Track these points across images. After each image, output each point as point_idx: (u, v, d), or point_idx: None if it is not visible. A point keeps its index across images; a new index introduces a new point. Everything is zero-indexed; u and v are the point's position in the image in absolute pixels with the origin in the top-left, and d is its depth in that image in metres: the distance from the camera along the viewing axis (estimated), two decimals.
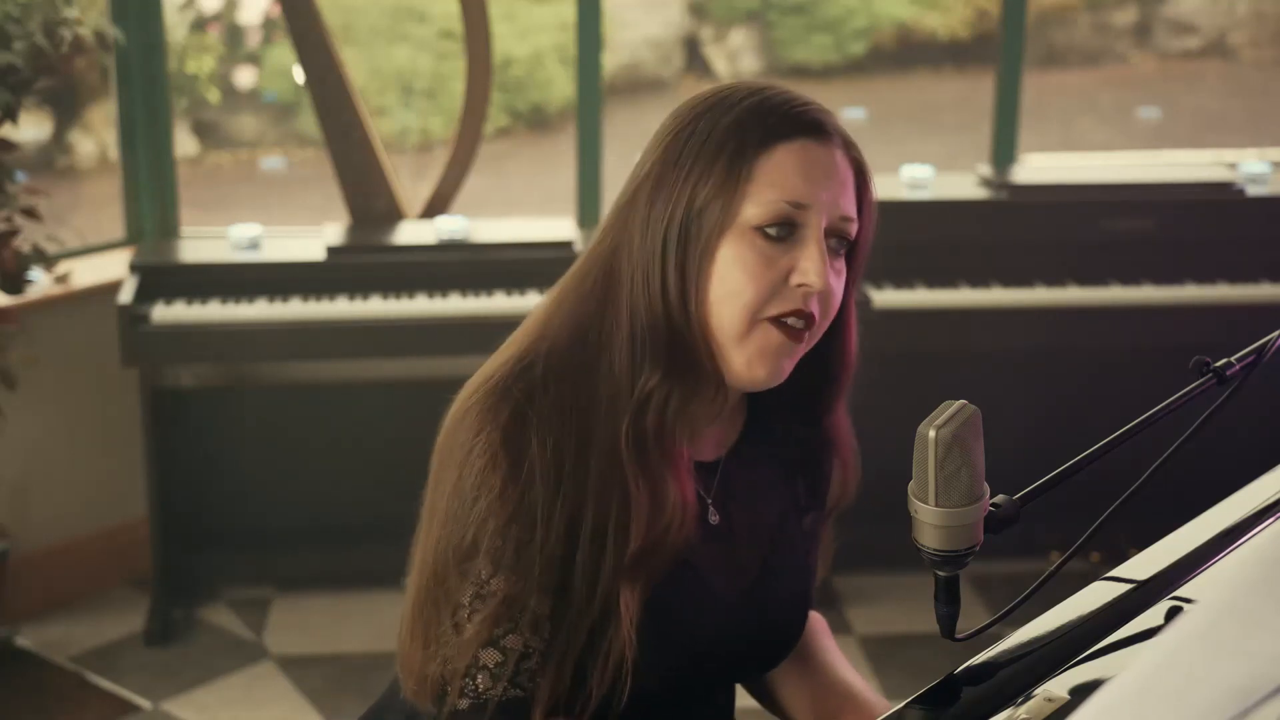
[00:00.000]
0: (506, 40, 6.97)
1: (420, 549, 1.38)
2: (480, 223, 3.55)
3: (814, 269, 1.31)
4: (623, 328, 1.33)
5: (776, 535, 1.48)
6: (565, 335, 1.36)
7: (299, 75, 3.60)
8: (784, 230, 1.31)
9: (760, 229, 1.30)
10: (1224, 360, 1.37)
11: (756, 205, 1.30)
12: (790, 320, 1.32)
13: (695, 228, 1.31)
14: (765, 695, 1.63)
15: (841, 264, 1.36)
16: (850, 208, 1.35)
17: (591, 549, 1.32)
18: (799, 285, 1.31)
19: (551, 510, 1.31)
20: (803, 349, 1.35)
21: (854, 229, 1.36)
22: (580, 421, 1.33)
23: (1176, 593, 1.33)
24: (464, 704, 1.33)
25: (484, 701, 1.32)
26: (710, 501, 1.43)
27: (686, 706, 1.46)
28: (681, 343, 1.32)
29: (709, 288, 1.32)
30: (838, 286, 1.35)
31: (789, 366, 1.35)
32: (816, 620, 1.64)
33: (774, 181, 1.30)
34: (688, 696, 1.45)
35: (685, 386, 1.34)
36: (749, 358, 1.33)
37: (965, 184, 3.67)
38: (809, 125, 1.33)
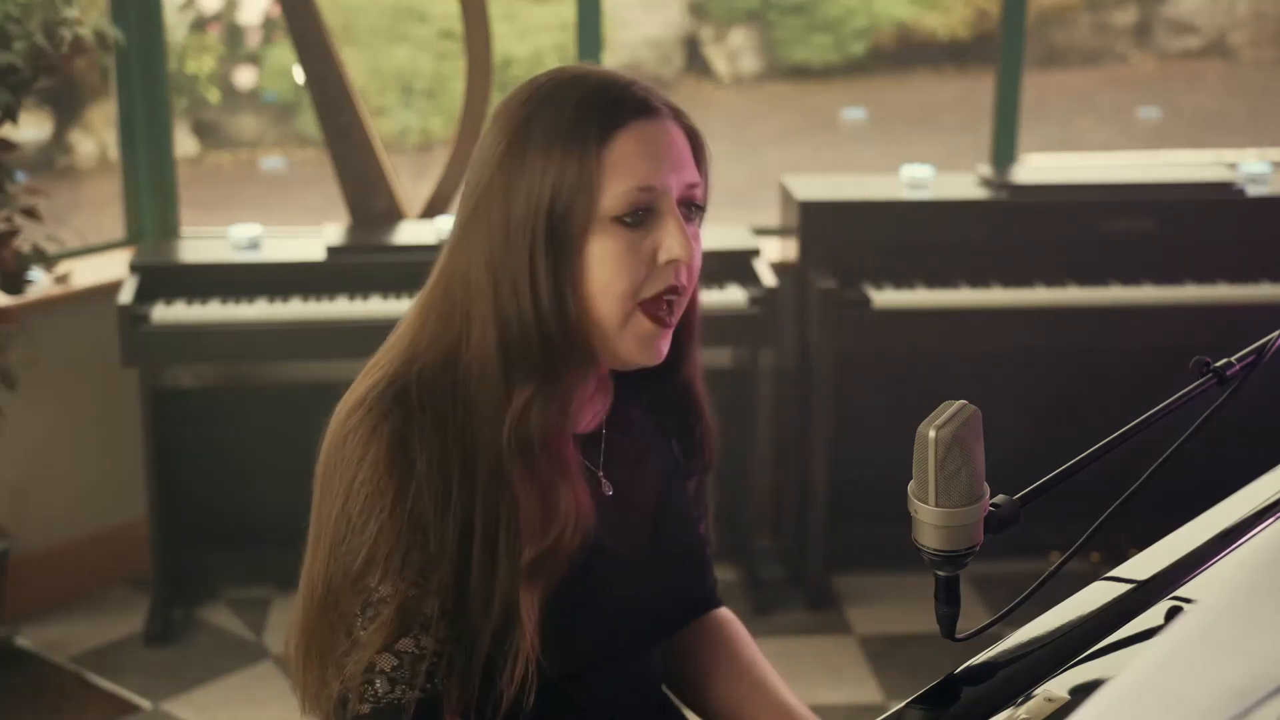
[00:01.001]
0: (506, 40, 6.98)
1: (307, 572, 1.40)
2: None
3: (677, 243, 1.35)
4: (491, 339, 1.35)
5: (662, 495, 1.52)
6: (435, 352, 1.38)
7: (299, 75, 3.60)
8: (640, 215, 1.34)
9: (619, 219, 1.33)
10: (1224, 360, 1.38)
11: (610, 197, 1.33)
12: (664, 304, 1.37)
13: (561, 229, 1.33)
14: (702, 703, 1.64)
15: (695, 228, 1.40)
16: (694, 174, 1.39)
17: (484, 556, 1.34)
18: (667, 262, 1.35)
19: (442, 524, 1.33)
20: (674, 323, 1.40)
21: (700, 193, 1.40)
22: (461, 435, 1.35)
23: (1176, 593, 1.33)
24: (365, 709, 1.34)
25: (384, 705, 1.33)
26: (601, 473, 1.47)
27: (616, 674, 1.49)
28: (556, 348, 1.35)
29: (582, 286, 1.35)
30: (699, 250, 1.40)
31: (666, 345, 1.40)
32: (737, 626, 1.64)
33: (621, 171, 1.33)
34: (615, 664, 1.48)
35: (562, 388, 1.37)
36: (629, 345, 1.37)
37: (965, 184, 3.67)
38: (638, 106, 1.36)
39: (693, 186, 1.38)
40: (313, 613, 1.38)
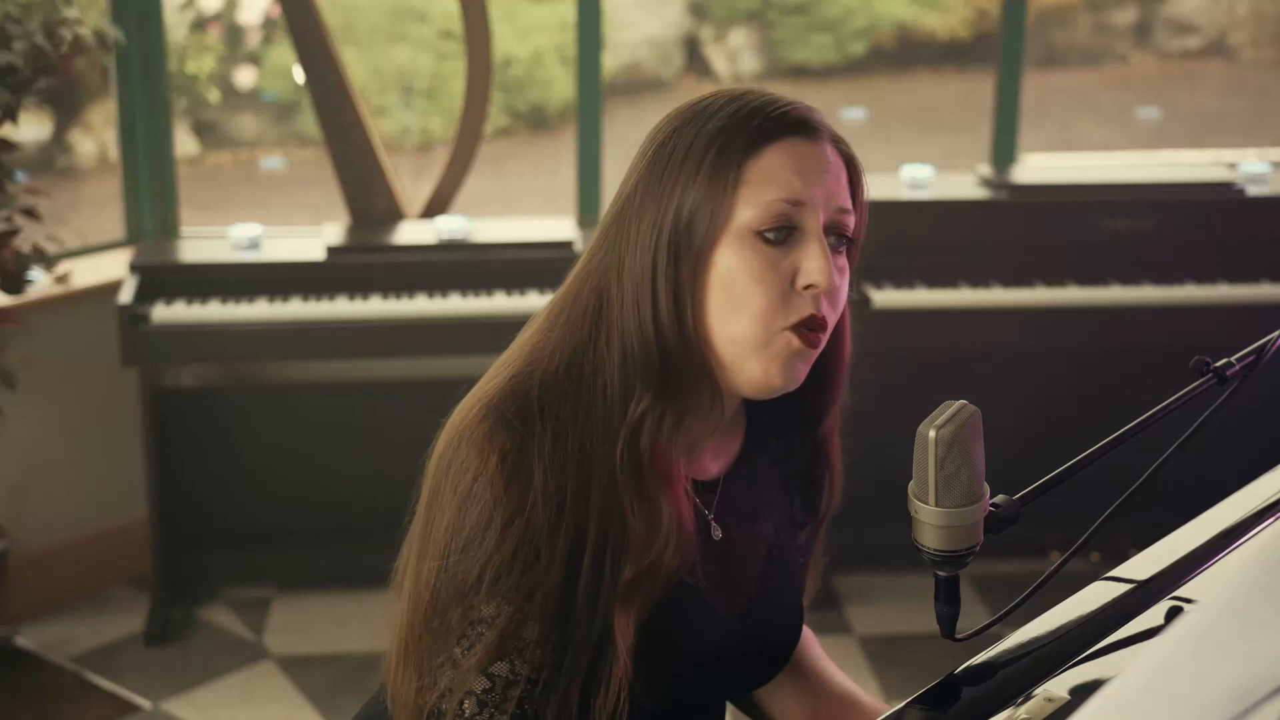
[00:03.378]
0: (506, 40, 6.98)
1: (412, 579, 1.35)
2: (480, 223, 3.55)
3: (819, 268, 1.28)
4: (614, 351, 1.31)
5: (774, 551, 1.47)
6: (559, 360, 1.33)
7: (299, 75, 3.60)
8: (783, 232, 1.28)
9: (759, 233, 1.28)
10: (1224, 360, 1.37)
11: (752, 208, 1.28)
12: (806, 324, 1.30)
13: (686, 240, 1.28)
14: (757, 708, 1.62)
15: (843, 260, 1.33)
16: (846, 200, 1.33)
17: (591, 575, 1.30)
18: (806, 287, 1.29)
19: (555, 539, 1.28)
20: (816, 353, 1.33)
21: (852, 222, 1.33)
22: (579, 448, 1.30)
23: (1176, 593, 1.33)
24: None
25: None
26: (712, 517, 1.41)
27: (693, 715, 1.45)
28: (674, 363, 1.30)
29: (709, 301, 1.29)
30: (843, 284, 1.33)
31: (805, 371, 1.33)
32: (805, 630, 1.63)
33: (767, 181, 1.28)
34: (682, 712, 1.44)
35: (678, 407, 1.31)
36: (766, 366, 1.30)
37: (965, 184, 3.67)
38: (796, 124, 1.31)
39: (844, 212, 1.32)
40: (418, 620, 1.33)
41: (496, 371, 1.36)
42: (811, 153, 1.30)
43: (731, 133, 1.29)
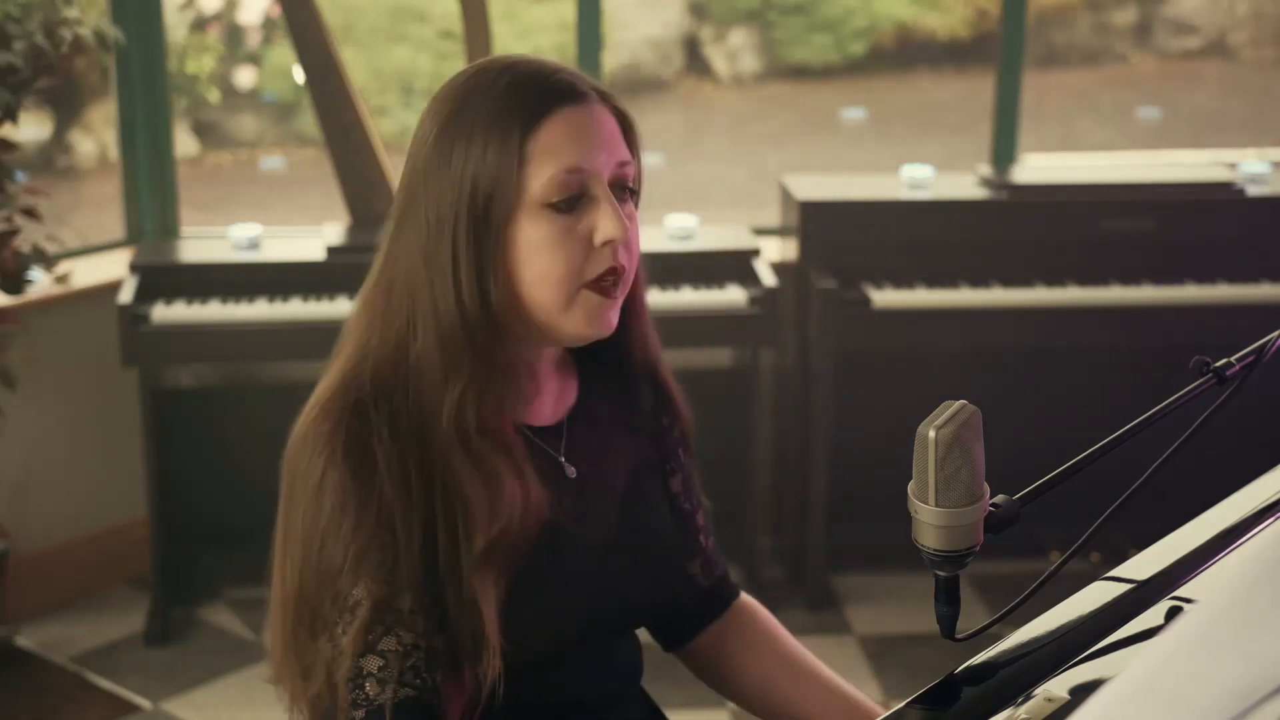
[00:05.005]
0: (506, 40, 6.97)
1: (279, 577, 1.40)
2: None
3: (611, 224, 1.35)
4: (430, 331, 1.36)
5: (630, 486, 1.52)
6: (383, 349, 1.39)
7: (299, 75, 3.60)
8: (572, 200, 1.35)
9: (550, 204, 1.34)
10: (1224, 360, 1.37)
11: (539, 182, 1.34)
12: (604, 278, 1.37)
13: (482, 221, 1.34)
14: (752, 699, 1.64)
15: (630, 209, 1.40)
16: (624, 152, 1.39)
17: (448, 547, 1.35)
18: (603, 243, 1.36)
19: (408, 519, 1.34)
20: (620, 299, 1.40)
21: (632, 172, 1.40)
22: (414, 430, 1.36)
23: (1176, 593, 1.33)
24: (359, 714, 1.33)
25: (379, 707, 1.32)
26: (562, 459, 1.47)
27: (589, 662, 1.49)
28: (484, 338, 1.36)
29: (516, 274, 1.35)
30: (636, 231, 1.40)
31: (614, 316, 1.40)
32: (761, 612, 1.66)
33: (548, 155, 1.34)
34: (586, 652, 1.48)
35: (495, 377, 1.37)
36: (575, 323, 1.38)
37: (965, 184, 3.67)
38: (564, 93, 1.36)
39: (623, 165, 1.38)
40: (289, 615, 1.38)
41: (331, 370, 1.43)
42: (583, 117, 1.36)
43: (507, 113, 1.34)
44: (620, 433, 1.54)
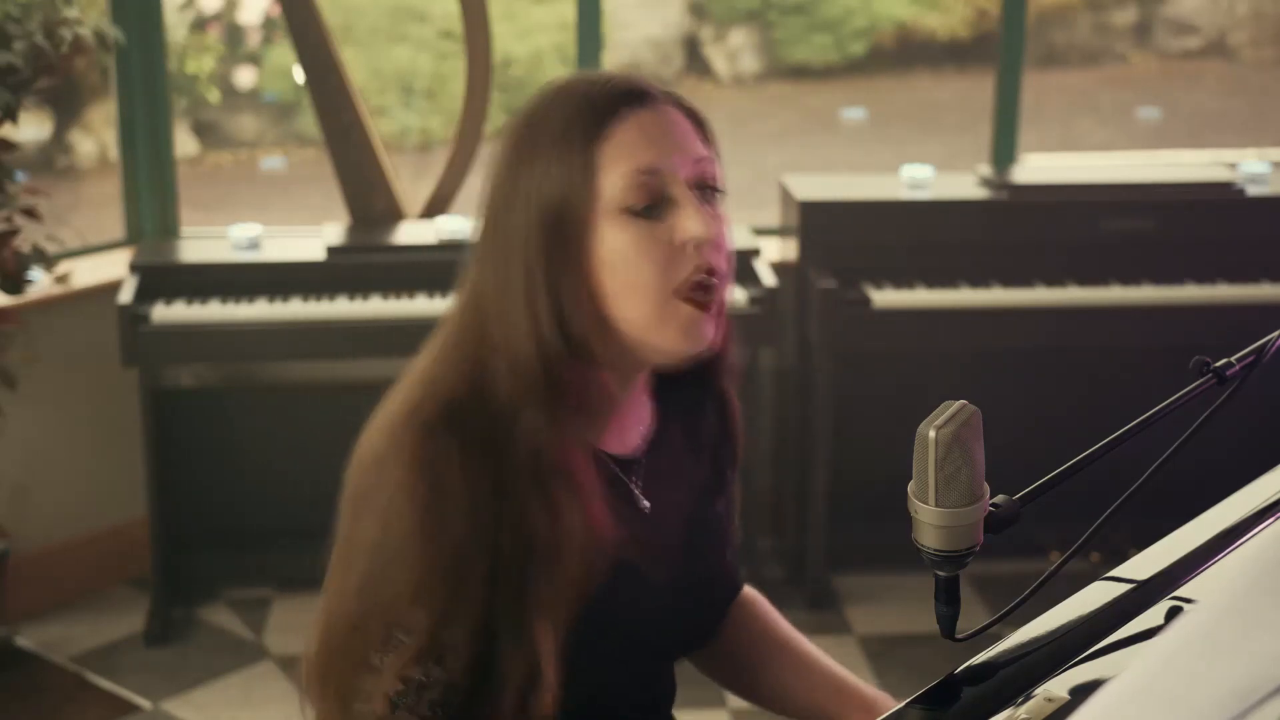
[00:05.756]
0: (506, 40, 6.98)
1: (337, 600, 1.35)
2: None
3: (694, 221, 1.29)
4: (502, 362, 1.32)
5: (695, 515, 1.49)
6: (460, 375, 1.34)
7: (299, 75, 3.60)
8: (652, 204, 1.29)
9: (628, 209, 1.29)
10: (1224, 360, 1.37)
11: (613, 187, 1.28)
12: (697, 288, 1.30)
13: (556, 239, 1.29)
14: (751, 689, 1.65)
15: (717, 208, 1.34)
16: (700, 149, 1.34)
17: (512, 586, 1.31)
18: (688, 242, 1.30)
19: (475, 553, 1.30)
20: (716, 311, 1.34)
21: (713, 170, 1.34)
22: (488, 462, 1.31)
23: (1176, 593, 1.33)
24: None
25: None
26: (639, 490, 1.42)
27: (631, 686, 1.47)
28: (561, 365, 1.31)
29: (599, 290, 1.30)
30: (724, 230, 1.34)
31: (711, 330, 1.33)
32: (762, 603, 1.65)
33: (620, 159, 1.29)
34: (631, 678, 1.46)
35: (569, 411, 1.32)
36: (670, 339, 1.31)
37: (965, 184, 3.67)
38: (629, 94, 1.31)
39: (703, 161, 1.33)
40: (338, 634, 1.34)
41: (398, 395, 1.37)
42: (653, 118, 1.31)
43: (574, 124, 1.30)
44: (688, 457, 1.50)
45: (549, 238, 1.29)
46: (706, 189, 1.34)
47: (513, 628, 1.31)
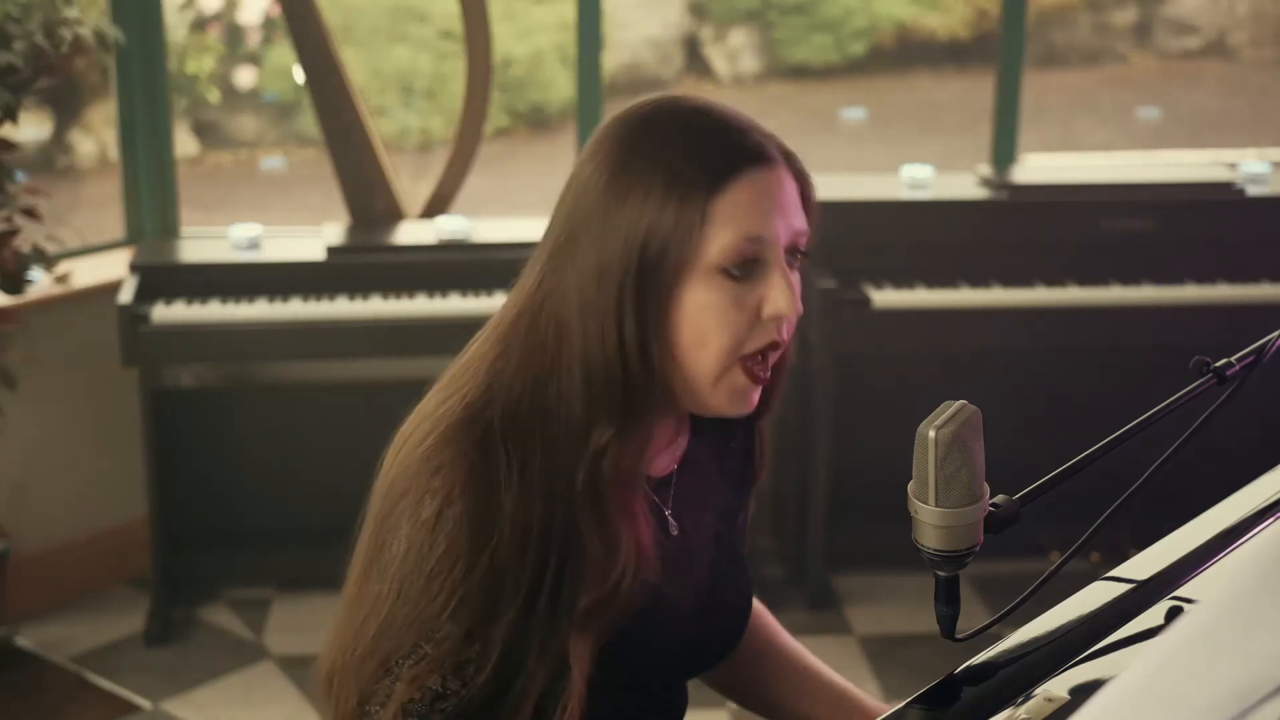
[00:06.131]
0: (506, 40, 6.98)
1: (369, 600, 1.33)
2: (480, 223, 3.55)
3: (784, 299, 1.29)
4: (576, 378, 1.29)
5: (721, 535, 1.48)
6: (519, 389, 1.31)
7: (299, 75, 3.60)
8: (747, 267, 1.28)
9: (724, 270, 1.28)
10: (1224, 360, 1.37)
11: (717, 247, 1.27)
12: (758, 359, 1.31)
13: (652, 276, 1.27)
14: (752, 700, 1.65)
15: (797, 274, 1.34)
16: (802, 222, 1.33)
17: (551, 602, 1.30)
18: (771, 317, 1.30)
19: (520, 569, 1.28)
20: (769, 378, 1.35)
21: (806, 239, 1.34)
22: (543, 478, 1.29)
23: (1176, 593, 1.33)
24: None
25: None
26: (669, 514, 1.42)
27: (643, 704, 1.47)
28: (640, 393, 1.30)
29: (675, 336, 1.29)
30: (799, 300, 1.34)
31: (756, 398, 1.34)
32: (764, 614, 1.65)
33: (731, 220, 1.27)
34: (646, 697, 1.46)
35: (641, 434, 1.31)
36: (722, 398, 1.32)
37: (965, 184, 3.67)
38: (753, 154, 1.30)
39: (800, 234, 1.33)
40: (365, 639, 1.32)
41: (448, 394, 1.34)
42: (770, 183, 1.30)
43: (693, 168, 1.27)
44: (715, 477, 1.49)
45: (645, 273, 1.27)
46: (795, 254, 1.33)
47: (543, 645, 1.30)
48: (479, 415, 1.30)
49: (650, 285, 1.27)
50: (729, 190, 1.27)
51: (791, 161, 1.34)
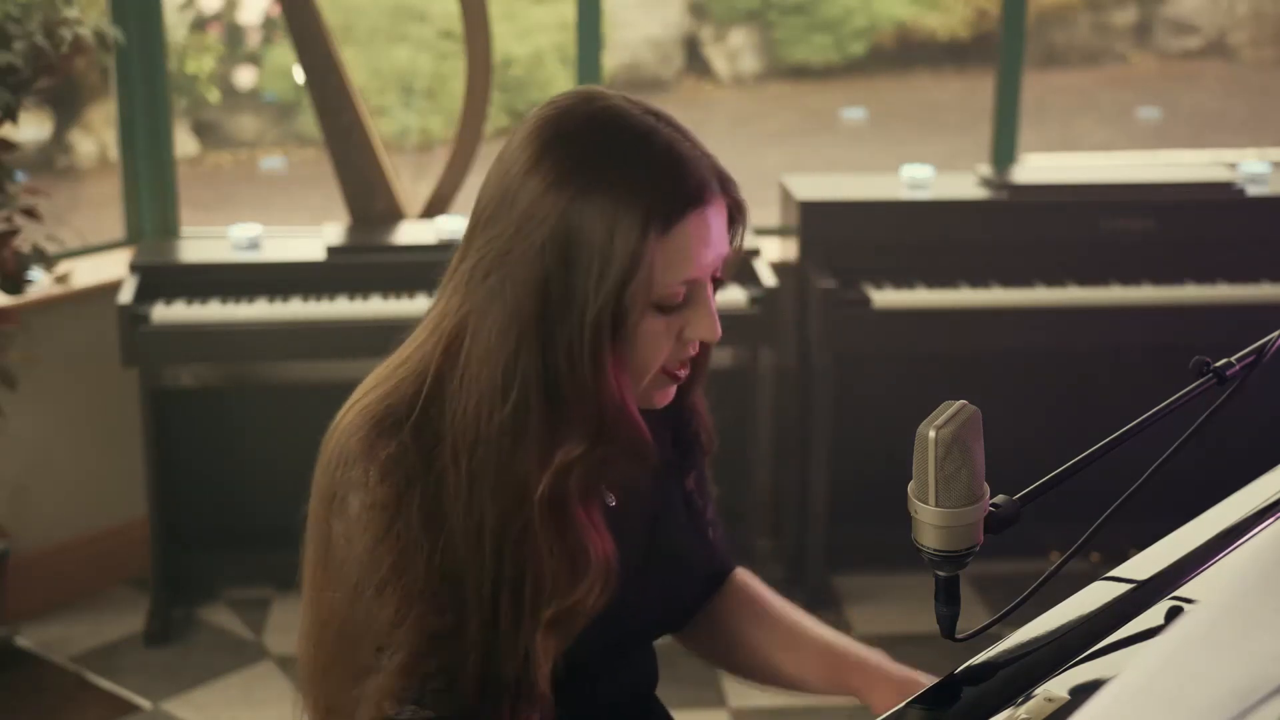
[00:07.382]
0: (506, 40, 6.98)
1: (324, 607, 1.36)
2: None
3: (707, 328, 1.35)
4: (535, 397, 1.31)
5: (657, 500, 1.51)
6: (471, 401, 1.32)
7: (299, 75, 3.60)
8: (679, 303, 1.33)
9: (660, 305, 1.32)
10: (1224, 360, 1.37)
11: (660, 286, 1.30)
12: (680, 365, 1.38)
13: (621, 312, 1.29)
14: (742, 665, 1.65)
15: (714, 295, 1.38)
16: (726, 247, 1.36)
17: (513, 610, 1.32)
18: (697, 340, 1.36)
19: (477, 578, 1.31)
20: (685, 373, 1.40)
21: (724, 262, 1.37)
22: (496, 490, 1.31)
23: (1176, 593, 1.33)
24: None
25: None
26: (604, 487, 1.45)
27: (609, 670, 1.48)
28: (603, 412, 1.32)
29: (609, 354, 1.31)
30: (718, 323, 1.37)
31: (674, 390, 1.41)
32: (756, 583, 1.66)
33: (671, 263, 1.30)
34: (612, 663, 1.48)
35: (605, 447, 1.34)
36: (643, 398, 1.38)
37: (965, 184, 3.67)
38: (695, 196, 1.30)
39: (723, 259, 1.36)
40: (325, 647, 1.35)
41: (382, 392, 1.39)
42: (707, 221, 1.32)
43: (642, 198, 1.27)
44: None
45: (619, 318, 1.29)
46: (715, 278, 1.37)
47: (510, 645, 1.33)
48: (419, 422, 1.33)
49: (619, 323, 1.30)
50: (675, 231, 1.29)
51: (727, 188, 1.35)
